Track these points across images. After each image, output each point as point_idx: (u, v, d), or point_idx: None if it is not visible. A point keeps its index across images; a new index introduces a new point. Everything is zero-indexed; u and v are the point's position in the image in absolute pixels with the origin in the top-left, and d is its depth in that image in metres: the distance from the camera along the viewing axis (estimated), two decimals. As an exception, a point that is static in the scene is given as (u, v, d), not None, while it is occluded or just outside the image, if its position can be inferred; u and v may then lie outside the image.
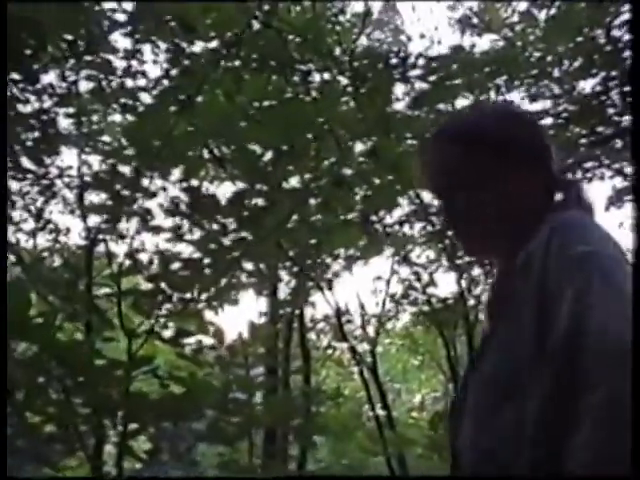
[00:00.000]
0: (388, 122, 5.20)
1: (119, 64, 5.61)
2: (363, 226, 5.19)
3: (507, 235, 1.22)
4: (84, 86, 5.97)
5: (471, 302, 8.09)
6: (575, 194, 1.24)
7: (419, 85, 5.96)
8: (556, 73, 6.44)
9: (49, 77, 5.88)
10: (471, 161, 1.24)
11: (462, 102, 6.45)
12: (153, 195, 4.90)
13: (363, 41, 6.91)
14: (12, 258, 6.05)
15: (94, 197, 6.11)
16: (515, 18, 6.94)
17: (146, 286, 5.37)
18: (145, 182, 5.06)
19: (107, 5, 5.50)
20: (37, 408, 3.83)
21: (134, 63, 5.48)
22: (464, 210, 1.24)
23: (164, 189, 4.82)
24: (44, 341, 3.74)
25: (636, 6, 1.42)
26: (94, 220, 5.91)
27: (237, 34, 5.22)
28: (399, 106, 5.99)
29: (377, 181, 5.15)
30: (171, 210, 4.88)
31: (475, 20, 6.75)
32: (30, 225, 6.37)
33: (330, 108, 5.34)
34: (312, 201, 5.36)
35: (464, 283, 7.95)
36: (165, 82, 5.54)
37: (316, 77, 5.91)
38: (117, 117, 6.00)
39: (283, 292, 6.38)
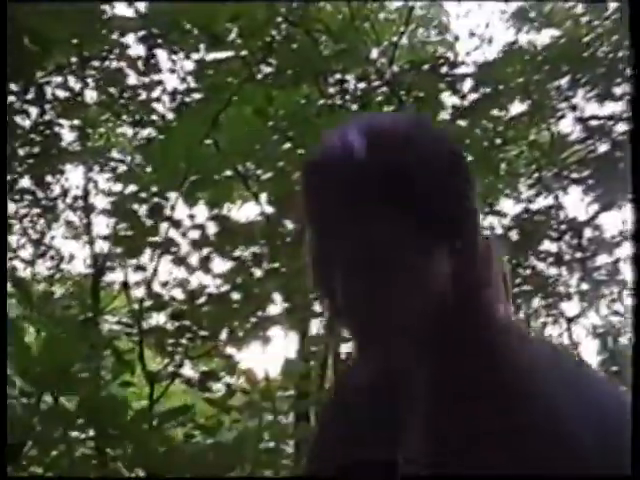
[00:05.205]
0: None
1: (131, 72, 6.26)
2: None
3: None
4: (90, 96, 6.64)
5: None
6: None
7: (467, 90, 6.58)
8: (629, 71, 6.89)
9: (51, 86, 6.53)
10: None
11: (518, 108, 7.08)
12: (177, 224, 5.54)
13: (404, 41, 7.47)
14: (10, 288, 6.62)
15: (102, 220, 6.77)
16: (580, 9, 7.44)
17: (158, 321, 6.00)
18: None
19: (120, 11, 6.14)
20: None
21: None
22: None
23: (192, 217, 5.45)
24: (87, 395, 4.37)
25: (636, 6, 1.54)
26: (100, 245, 6.56)
27: (267, 42, 5.87)
28: (444, 115, 6.61)
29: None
30: (198, 241, 5.53)
31: (532, 14, 7.30)
32: (29, 251, 6.97)
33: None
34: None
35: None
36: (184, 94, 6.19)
37: (351, 85, 6.55)
38: (128, 131, 6.65)
39: (315, 326, 6.96)
